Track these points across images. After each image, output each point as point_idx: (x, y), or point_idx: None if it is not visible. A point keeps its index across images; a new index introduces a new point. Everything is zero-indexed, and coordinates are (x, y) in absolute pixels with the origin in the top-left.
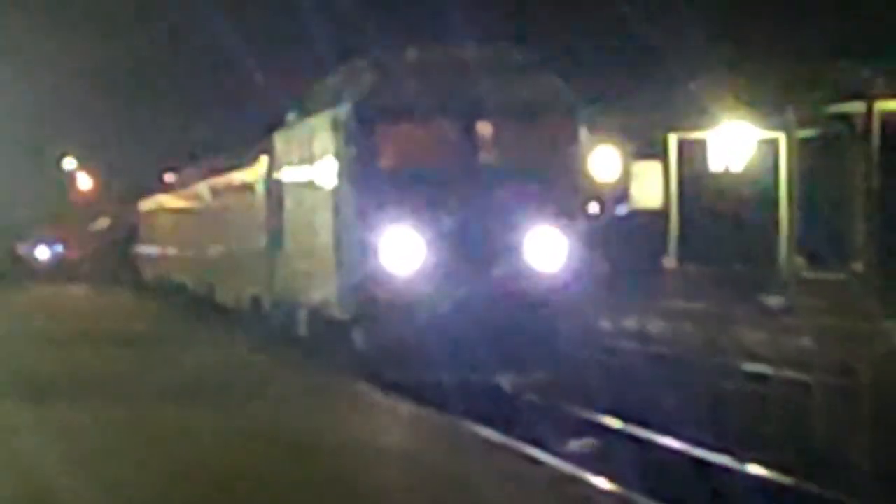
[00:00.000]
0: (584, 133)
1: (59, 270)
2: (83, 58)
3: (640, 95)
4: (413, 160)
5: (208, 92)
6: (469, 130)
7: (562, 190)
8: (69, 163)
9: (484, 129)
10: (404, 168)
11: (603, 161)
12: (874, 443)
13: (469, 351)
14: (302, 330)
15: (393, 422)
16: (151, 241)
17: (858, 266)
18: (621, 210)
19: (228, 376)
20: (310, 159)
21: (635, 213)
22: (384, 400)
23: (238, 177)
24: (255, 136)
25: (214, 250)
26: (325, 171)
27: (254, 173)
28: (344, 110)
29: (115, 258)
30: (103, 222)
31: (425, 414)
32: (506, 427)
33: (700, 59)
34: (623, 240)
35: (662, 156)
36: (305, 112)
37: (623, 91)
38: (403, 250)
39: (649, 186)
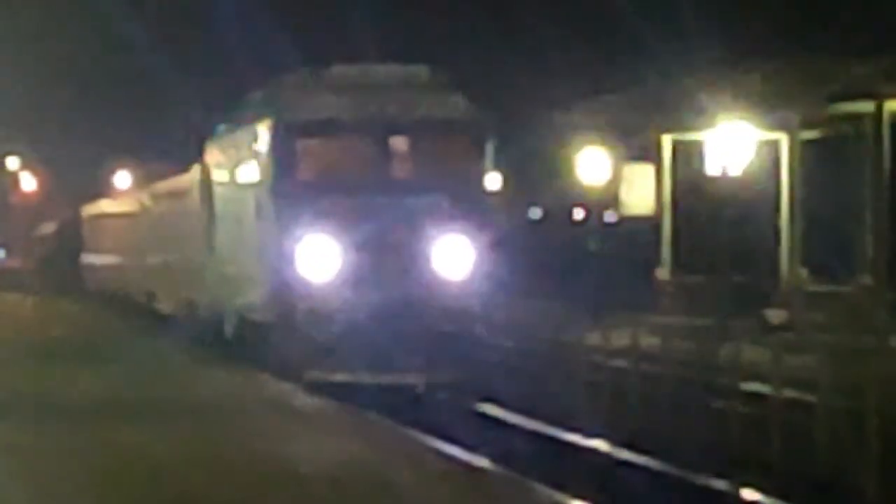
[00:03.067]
0: (490, 147)
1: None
2: (29, 52)
3: (632, 93)
4: (330, 173)
5: (158, 92)
6: (383, 145)
7: (469, 201)
8: (12, 162)
9: (397, 144)
10: (322, 180)
11: (591, 163)
12: (881, 469)
13: (382, 353)
14: (229, 332)
15: (296, 416)
16: (96, 247)
17: (866, 278)
18: (610, 216)
19: (158, 386)
20: (237, 169)
21: (625, 220)
22: (298, 398)
23: (176, 184)
24: (194, 143)
25: (154, 257)
26: (249, 182)
27: (189, 181)
28: (266, 124)
29: (61, 265)
30: (49, 227)
31: (339, 410)
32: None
33: (697, 55)
34: (612, 249)
35: (655, 158)
36: (235, 124)
37: (614, 88)
38: (320, 258)
39: (641, 191)
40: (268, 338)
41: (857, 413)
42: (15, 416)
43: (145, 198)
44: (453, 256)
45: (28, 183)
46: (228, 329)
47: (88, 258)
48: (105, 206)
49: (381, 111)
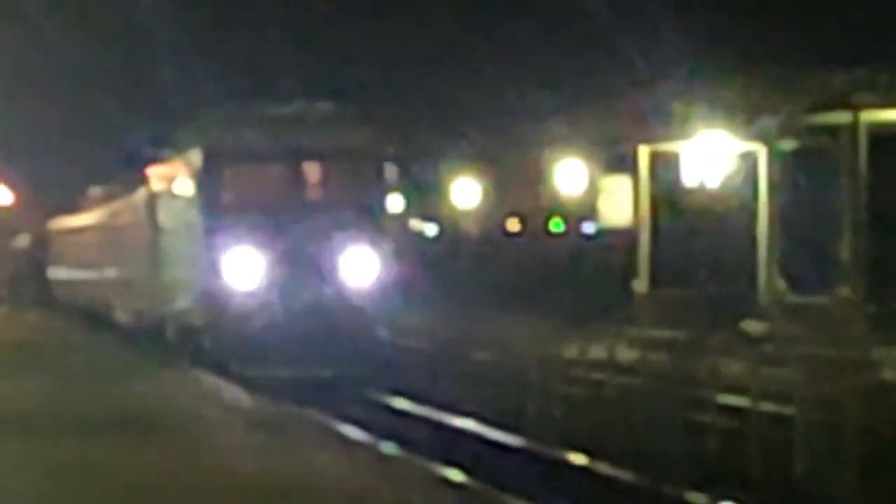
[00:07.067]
0: (389, 170)
1: None
2: (5, 68)
3: (610, 103)
4: (252, 194)
5: (115, 117)
6: (296, 170)
7: (371, 218)
8: None
9: (308, 169)
10: (245, 200)
11: (568, 174)
12: (861, 483)
13: (297, 350)
14: (170, 335)
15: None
16: (61, 260)
17: (845, 290)
18: (587, 228)
19: (99, 384)
20: (175, 191)
21: (603, 232)
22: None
23: (129, 202)
24: (140, 165)
25: (111, 269)
26: (185, 202)
27: (140, 200)
28: (196, 152)
29: (32, 277)
30: (23, 240)
31: (255, 399)
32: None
33: (674, 65)
34: (589, 261)
35: (632, 169)
36: (173, 150)
37: (591, 98)
38: (244, 268)
39: (618, 202)
40: (200, 338)
41: (836, 426)
42: None
43: (104, 214)
44: (358, 266)
45: (4, 196)
46: (170, 333)
47: (55, 271)
48: (68, 221)
49: (295, 141)
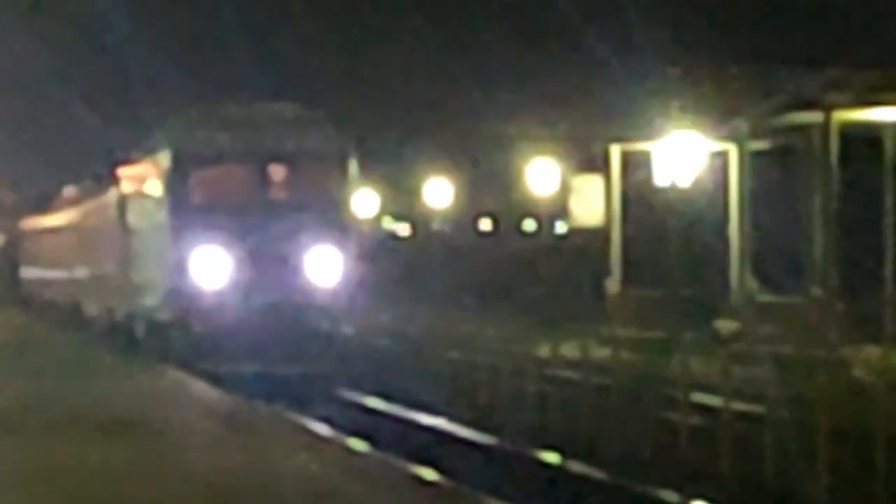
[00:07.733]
0: (353, 170)
1: None
2: None
3: (581, 103)
4: (218, 195)
5: (89, 118)
6: (262, 172)
7: (336, 218)
8: None
9: (274, 170)
10: (212, 201)
11: (540, 174)
12: (832, 481)
13: (263, 348)
14: (139, 332)
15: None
16: (33, 260)
17: (816, 289)
18: (559, 228)
19: (70, 378)
20: (144, 192)
21: (575, 231)
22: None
23: (100, 202)
24: (110, 167)
25: (82, 269)
26: (154, 202)
27: (111, 201)
28: (164, 155)
29: (5, 277)
30: None
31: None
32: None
33: (645, 65)
34: (561, 260)
35: (604, 169)
36: (143, 152)
37: (563, 98)
38: (210, 266)
39: (590, 202)
40: (168, 335)
41: (807, 424)
42: None
43: (76, 214)
44: (323, 265)
45: None
46: (139, 329)
47: (28, 271)
48: (40, 221)
49: (261, 143)
